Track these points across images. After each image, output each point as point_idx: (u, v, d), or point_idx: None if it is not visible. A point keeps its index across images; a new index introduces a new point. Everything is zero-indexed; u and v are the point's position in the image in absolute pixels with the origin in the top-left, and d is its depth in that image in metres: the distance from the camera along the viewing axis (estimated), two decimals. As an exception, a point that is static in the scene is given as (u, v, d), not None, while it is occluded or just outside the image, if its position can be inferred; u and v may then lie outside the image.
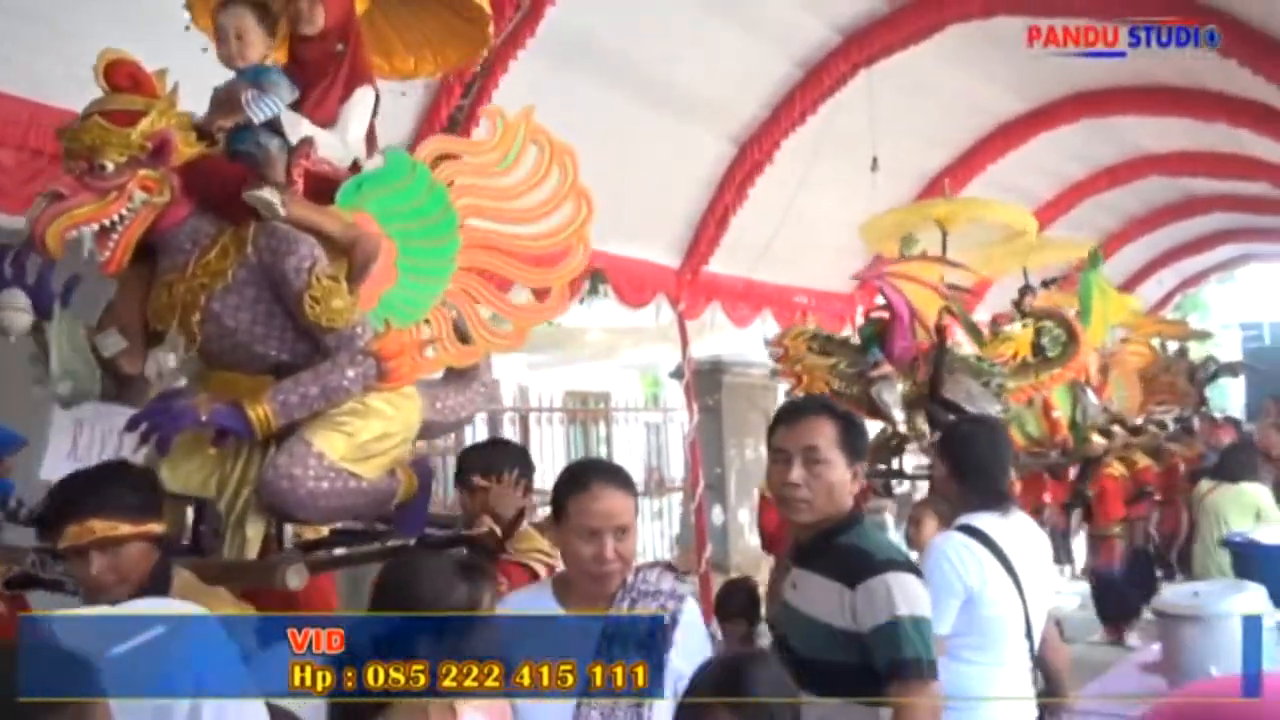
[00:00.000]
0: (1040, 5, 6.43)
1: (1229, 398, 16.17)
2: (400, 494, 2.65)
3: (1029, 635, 2.52)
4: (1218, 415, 10.47)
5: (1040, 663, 2.64)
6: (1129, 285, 13.43)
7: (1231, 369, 12.04)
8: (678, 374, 8.40)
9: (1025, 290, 7.09)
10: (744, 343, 9.14)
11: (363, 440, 2.45)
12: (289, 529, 2.58)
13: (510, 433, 9.97)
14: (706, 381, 8.85)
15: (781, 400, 9.44)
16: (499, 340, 2.85)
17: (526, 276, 2.92)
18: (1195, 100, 7.93)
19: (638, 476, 11.75)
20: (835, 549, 2.03)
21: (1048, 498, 7.63)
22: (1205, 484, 5.58)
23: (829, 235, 8.18)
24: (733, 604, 4.47)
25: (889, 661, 1.89)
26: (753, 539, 7.73)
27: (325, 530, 2.82)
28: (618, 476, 2.06)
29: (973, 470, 2.66)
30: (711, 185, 7.61)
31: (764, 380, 9.49)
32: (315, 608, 2.96)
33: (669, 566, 2.07)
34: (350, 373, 2.41)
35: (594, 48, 5.89)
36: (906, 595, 1.92)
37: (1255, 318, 17.20)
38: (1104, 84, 8.31)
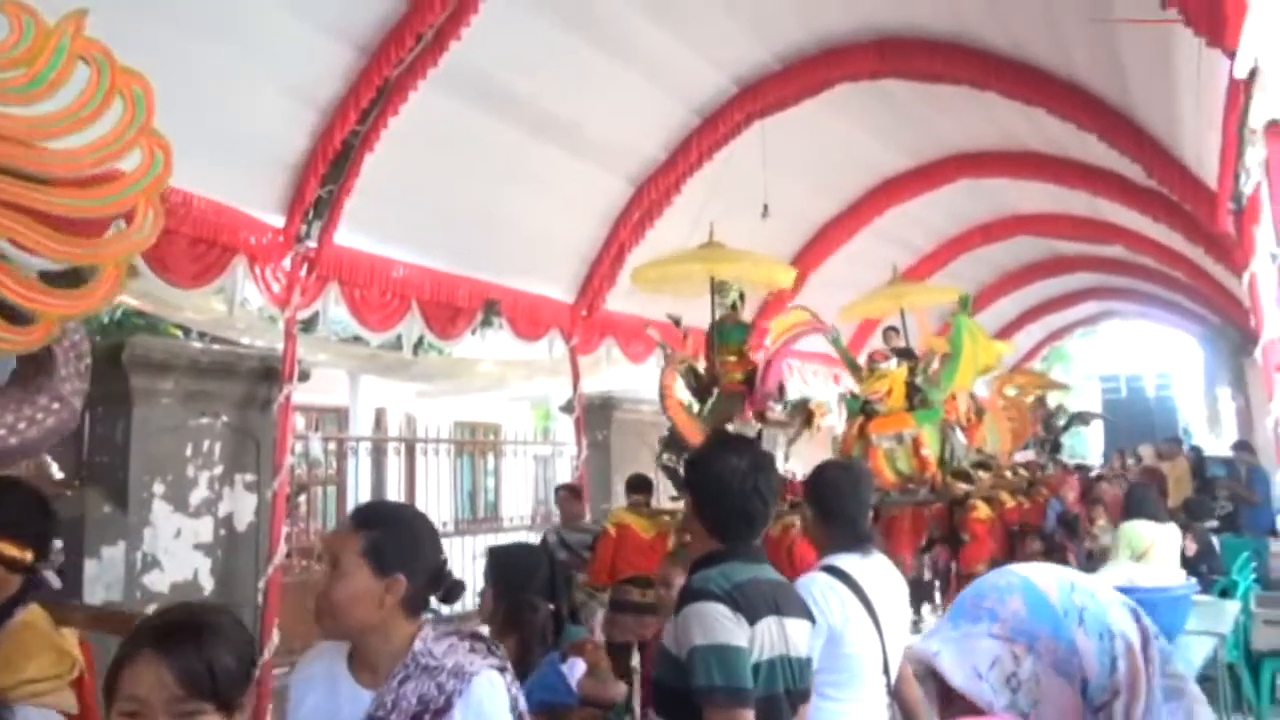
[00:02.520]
0: (924, 70, 6.82)
1: (1089, 446, 17.20)
2: None
3: (886, 671, 2.64)
4: (1069, 463, 11.13)
5: (897, 697, 2.78)
6: (1002, 335, 14.22)
7: (1083, 418, 12.91)
8: (568, 408, 8.43)
9: (890, 330, 8.03)
10: (635, 379, 9.24)
11: None
12: None
13: (395, 463, 9.79)
14: (597, 416, 8.92)
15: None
16: (11, 338, 2.00)
17: (60, 249, 2.05)
18: (1060, 167, 8.53)
19: (525, 509, 11.73)
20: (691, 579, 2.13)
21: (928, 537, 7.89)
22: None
23: (721, 277, 8.41)
24: None
25: (694, 690, 1.96)
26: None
27: None
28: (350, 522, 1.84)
29: (837, 513, 2.77)
30: (608, 223, 7.75)
31: (654, 416, 9.61)
32: None
33: (473, 635, 1.90)
34: None
35: (496, 84, 5.95)
36: (703, 625, 1.97)
37: (1113, 370, 18.39)
38: (980, 147, 8.86)
